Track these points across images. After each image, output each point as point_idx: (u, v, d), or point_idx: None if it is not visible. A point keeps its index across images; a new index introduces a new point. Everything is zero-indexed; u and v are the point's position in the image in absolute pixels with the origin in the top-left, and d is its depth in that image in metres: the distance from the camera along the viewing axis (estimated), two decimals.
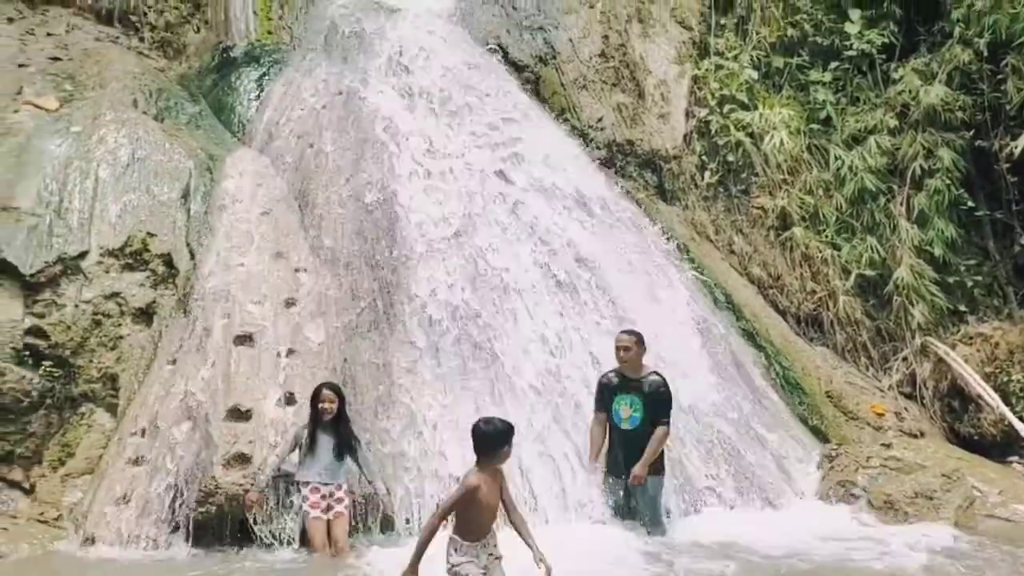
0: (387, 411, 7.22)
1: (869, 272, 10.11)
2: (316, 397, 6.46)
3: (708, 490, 7.32)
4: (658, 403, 6.61)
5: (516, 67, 11.14)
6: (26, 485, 7.24)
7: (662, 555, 6.14)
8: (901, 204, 10.33)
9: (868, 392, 9.55)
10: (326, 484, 6.35)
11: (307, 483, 6.34)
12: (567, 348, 7.72)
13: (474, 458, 4.71)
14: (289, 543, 6.34)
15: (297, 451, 6.48)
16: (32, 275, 7.65)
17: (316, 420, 6.43)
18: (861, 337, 10.07)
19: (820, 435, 8.54)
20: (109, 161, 8.38)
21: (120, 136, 8.59)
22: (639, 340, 6.78)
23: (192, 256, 8.14)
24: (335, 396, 6.45)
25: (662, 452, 6.66)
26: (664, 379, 6.72)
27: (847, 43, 11.20)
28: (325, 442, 6.36)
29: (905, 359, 9.83)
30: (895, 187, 10.45)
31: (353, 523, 6.48)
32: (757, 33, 11.48)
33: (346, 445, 6.46)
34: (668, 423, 6.61)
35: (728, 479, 7.45)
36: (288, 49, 10.82)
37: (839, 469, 7.77)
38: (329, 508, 6.32)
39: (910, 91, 10.52)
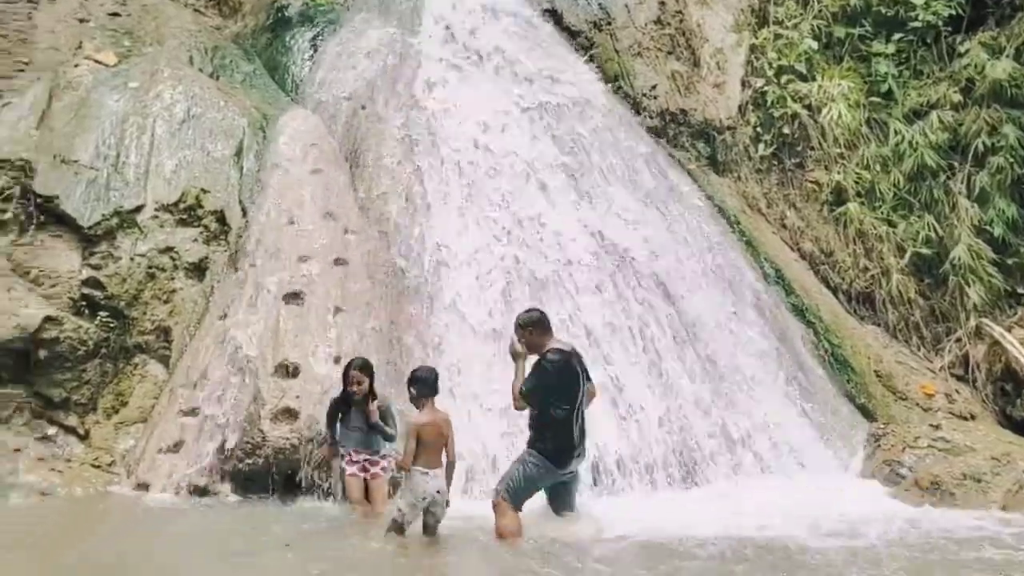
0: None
1: (925, 250, 9.86)
2: (346, 376, 6.38)
3: (750, 459, 7.28)
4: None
5: (570, 32, 10.98)
6: (81, 431, 7.46)
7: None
8: (961, 182, 10.03)
9: (918, 372, 9.37)
10: (359, 452, 6.35)
11: (344, 449, 6.40)
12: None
13: None
14: (333, 497, 6.47)
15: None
16: (90, 227, 7.82)
17: (347, 397, 6.38)
18: (914, 317, 9.85)
19: (867, 413, 8.43)
20: (165, 117, 8.49)
21: (176, 93, 8.69)
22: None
23: (244, 213, 8.24)
24: (364, 376, 6.32)
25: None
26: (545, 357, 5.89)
27: (912, 14, 10.83)
28: (356, 417, 6.34)
29: (959, 340, 9.59)
30: (956, 164, 10.15)
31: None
32: (819, 2, 11.17)
33: (372, 423, 6.30)
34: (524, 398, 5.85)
35: (771, 451, 7.39)
36: (342, 9, 10.79)
37: (886, 448, 7.66)
38: (365, 469, 6.36)
39: (976, 65, 10.17)
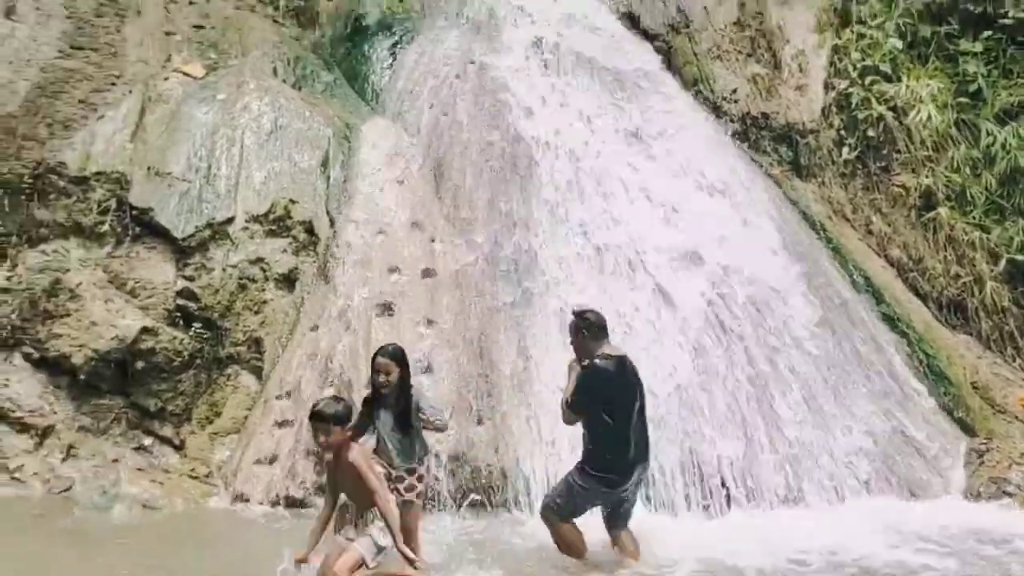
0: (521, 388, 7.21)
1: (1020, 257, 9.54)
2: (373, 365, 5.34)
3: (849, 478, 7.10)
4: None
5: (647, 36, 10.88)
6: (176, 441, 7.56)
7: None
8: None
9: (1015, 384, 9.05)
10: (393, 469, 5.31)
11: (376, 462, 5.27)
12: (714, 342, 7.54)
13: None
14: None
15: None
16: (183, 239, 7.92)
17: (373, 397, 5.38)
18: (1008, 326, 9.52)
19: (966, 428, 8.16)
20: (253, 128, 8.56)
21: (263, 104, 8.77)
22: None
23: (332, 223, 8.28)
24: (394, 364, 5.27)
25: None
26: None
27: (1001, 11, 10.50)
28: (386, 421, 5.32)
29: None
30: None
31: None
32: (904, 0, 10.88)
33: (408, 423, 5.33)
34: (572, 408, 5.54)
35: (870, 468, 7.20)
36: (419, 18, 10.81)
37: (990, 465, 7.42)
38: (396, 489, 5.25)
39: None
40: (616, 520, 5.61)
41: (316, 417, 4.71)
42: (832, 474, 7.01)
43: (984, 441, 7.80)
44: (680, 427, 6.91)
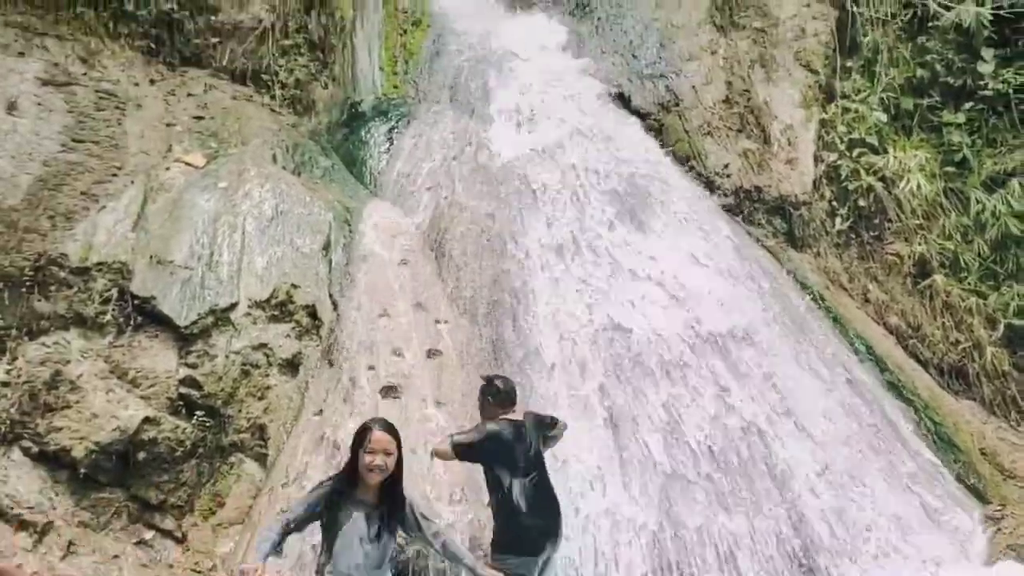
0: None
1: (1017, 322, 9.60)
2: (361, 440, 4.17)
3: (869, 552, 6.98)
4: None
5: (639, 115, 11.12)
6: (178, 534, 7.38)
7: None
8: None
9: (1022, 449, 9.02)
10: None
11: None
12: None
13: None
14: None
15: (320, 531, 4.26)
16: (186, 327, 7.87)
17: (350, 479, 4.16)
18: (1010, 390, 9.53)
19: (979, 495, 8.09)
20: (255, 215, 8.61)
21: (264, 191, 8.84)
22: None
23: (335, 307, 8.27)
24: (395, 444, 4.17)
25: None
26: None
27: (981, 83, 10.82)
28: (359, 520, 4.13)
29: None
30: None
31: None
32: (885, 75, 11.19)
33: (399, 523, 4.23)
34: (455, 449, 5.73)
35: (888, 542, 7.09)
36: (414, 102, 11.03)
37: (1007, 532, 7.33)
38: None
39: None
40: None
41: None
42: (853, 552, 6.87)
43: (998, 508, 7.73)
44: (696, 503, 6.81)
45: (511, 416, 5.86)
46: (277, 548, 4.29)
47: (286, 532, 4.30)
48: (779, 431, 7.46)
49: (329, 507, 4.16)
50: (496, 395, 5.93)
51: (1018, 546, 7.18)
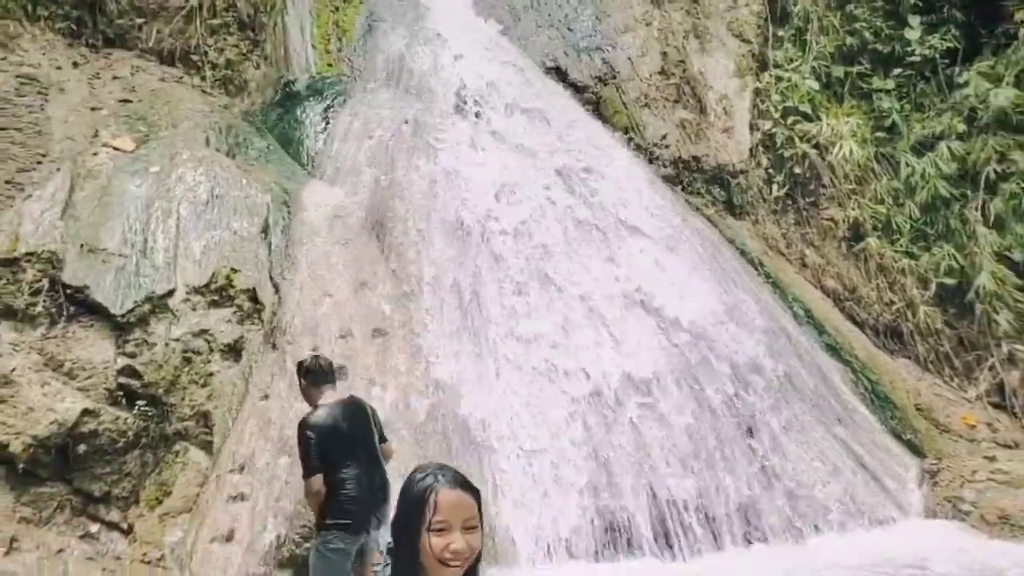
0: (486, 432, 7.15)
1: (948, 281, 9.92)
2: (421, 510, 2.43)
3: (809, 509, 7.16)
4: None
5: (576, 88, 11.12)
6: (124, 526, 7.22)
7: None
8: (976, 210, 10.15)
9: (956, 403, 9.35)
10: None
11: None
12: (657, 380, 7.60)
13: None
14: None
15: None
16: (122, 315, 7.66)
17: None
18: (943, 347, 9.87)
19: (915, 450, 8.35)
20: (189, 199, 8.41)
21: (198, 174, 8.63)
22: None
23: (276, 290, 8.14)
24: (475, 506, 2.49)
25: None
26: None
27: (908, 49, 11.10)
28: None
29: (991, 368, 9.61)
30: (968, 193, 10.27)
31: None
32: (816, 43, 11.39)
33: None
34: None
35: (832, 500, 7.28)
36: (349, 80, 10.85)
37: (944, 484, 7.59)
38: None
39: (977, 95, 10.38)
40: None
41: None
42: (792, 508, 7.04)
43: (934, 462, 7.99)
44: (637, 466, 6.91)
45: (329, 397, 5.44)
46: None
47: None
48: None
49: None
50: (307, 375, 5.49)
51: (955, 498, 7.43)
